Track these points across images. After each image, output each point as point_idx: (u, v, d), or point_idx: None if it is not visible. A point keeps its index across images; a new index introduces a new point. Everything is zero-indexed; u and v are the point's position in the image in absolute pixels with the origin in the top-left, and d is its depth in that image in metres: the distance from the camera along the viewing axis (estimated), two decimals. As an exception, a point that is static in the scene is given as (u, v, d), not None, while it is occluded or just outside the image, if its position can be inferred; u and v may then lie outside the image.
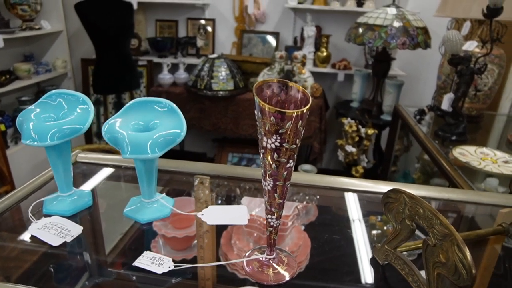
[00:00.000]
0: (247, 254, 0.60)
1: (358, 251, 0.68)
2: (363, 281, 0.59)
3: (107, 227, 0.73)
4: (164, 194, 0.72)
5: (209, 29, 2.98)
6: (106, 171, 0.87)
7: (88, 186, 0.81)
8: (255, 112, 0.42)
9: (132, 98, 2.87)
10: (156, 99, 0.65)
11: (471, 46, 1.67)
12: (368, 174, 2.34)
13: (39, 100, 0.64)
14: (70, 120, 0.61)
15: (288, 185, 0.48)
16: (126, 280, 0.65)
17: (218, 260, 0.68)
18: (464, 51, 1.62)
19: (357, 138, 2.12)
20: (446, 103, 1.60)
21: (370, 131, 2.05)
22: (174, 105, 0.63)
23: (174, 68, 2.76)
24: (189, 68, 2.72)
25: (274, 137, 0.41)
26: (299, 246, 0.68)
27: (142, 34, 3.01)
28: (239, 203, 0.77)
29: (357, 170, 2.18)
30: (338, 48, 2.86)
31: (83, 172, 0.86)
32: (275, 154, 0.43)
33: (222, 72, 2.46)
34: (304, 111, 0.40)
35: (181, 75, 2.66)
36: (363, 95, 2.65)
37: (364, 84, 2.62)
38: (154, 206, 0.69)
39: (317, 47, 2.76)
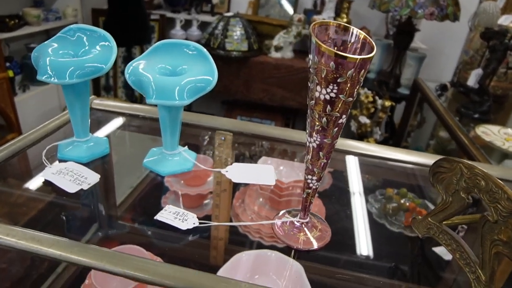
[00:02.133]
0: (279, 214, 0.56)
1: (373, 223, 0.66)
2: (376, 253, 0.58)
3: (121, 178, 0.70)
4: (186, 147, 0.68)
5: (226, -15, 2.85)
6: (122, 120, 0.83)
7: (103, 133, 0.77)
8: (309, 56, 0.37)
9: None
10: (184, 42, 0.59)
11: (507, 20, 1.58)
12: (379, 148, 2.29)
13: (57, 35, 0.58)
14: (91, 58, 0.55)
15: (336, 144, 0.43)
16: (138, 234, 0.62)
17: (230, 220, 0.65)
18: (499, 25, 1.53)
19: (372, 110, 2.06)
20: (473, 79, 1.53)
21: (387, 103, 1.98)
22: (205, 50, 0.57)
23: (187, 25, 2.66)
24: (203, 25, 2.62)
25: (331, 87, 0.36)
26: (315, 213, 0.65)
27: (156, -14, 2.89)
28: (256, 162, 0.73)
29: (368, 142, 2.13)
30: (359, 15, 2.74)
31: (98, 119, 0.82)
32: (328, 107, 0.38)
33: (237, 31, 2.36)
34: (369, 59, 0.35)
35: (194, 32, 2.57)
36: (381, 66, 2.56)
37: (383, 55, 2.52)
38: (176, 159, 0.64)
39: (337, 13, 2.64)
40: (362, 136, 2.23)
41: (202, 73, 0.55)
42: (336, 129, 0.41)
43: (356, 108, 2.27)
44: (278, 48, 2.46)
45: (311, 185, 0.48)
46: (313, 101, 0.40)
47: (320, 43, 0.35)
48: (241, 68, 2.45)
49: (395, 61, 2.40)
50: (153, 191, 0.71)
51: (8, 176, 0.67)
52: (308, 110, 0.41)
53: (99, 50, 0.57)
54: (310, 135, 0.43)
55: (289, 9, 2.76)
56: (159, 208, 0.61)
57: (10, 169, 0.65)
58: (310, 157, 0.45)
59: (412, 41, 2.34)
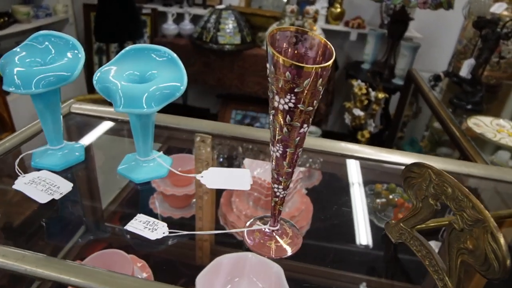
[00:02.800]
0: (248, 223, 0.56)
1: (361, 219, 0.65)
2: (364, 248, 0.58)
3: (100, 184, 0.69)
4: (161, 153, 0.67)
5: (218, -23, 2.81)
6: (103, 124, 0.82)
7: (82, 139, 0.76)
8: (267, 65, 0.36)
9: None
10: (154, 46, 0.58)
11: (500, 8, 1.56)
12: (374, 139, 2.29)
13: (24, 42, 0.57)
14: (57, 66, 0.54)
15: (300, 152, 0.43)
16: (119, 240, 0.61)
17: (217, 220, 0.65)
18: (491, 13, 1.51)
19: (366, 102, 2.05)
20: (465, 70, 1.52)
21: (381, 95, 1.97)
22: (174, 55, 0.56)
23: (179, 18, 2.64)
24: (195, 19, 2.59)
25: (288, 97, 0.35)
26: (301, 211, 0.65)
27: (147, -21, 2.85)
28: (241, 165, 0.72)
29: (363, 134, 2.12)
30: (353, 5, 2.71)
31: (77, 124, 0.81)
32: (288, 117, 0.37)
33: (229, 24, 2.34)
34: (326, 68, 0.34)
35: (186, 26, 2.54)
36: (376, 56, 2.54)
37: (377, 45, 2.50)
38: (150, 165, 0.64)
39: (331, 2, 2.61)
40: (356, 128, 2.22)
41: (171, 79, 0.54)
42: (298, 138, 0.40)
43: (350, 100, 2.25)
44: (271, 40, 2.44)
45: (278, 193, 0.47)
46: (273, 111, 0.39)
47: (274, 52, 0.34)
48: (235, 61, 2.43)
49: (389, 51, 2.37)
50: (140, 192, 0.71)
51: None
52: (269, 119, 0.41)
53: (68, 58, 0.56)
54: (273, 145, 0.42)
55: None
56: (145, 210, 0.61)
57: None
58: (275, 166, 0.44)
59: (406, 30, 2.31)
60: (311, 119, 0.39)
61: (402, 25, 2.27)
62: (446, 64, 2.42)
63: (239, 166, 0.73)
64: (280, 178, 0.45)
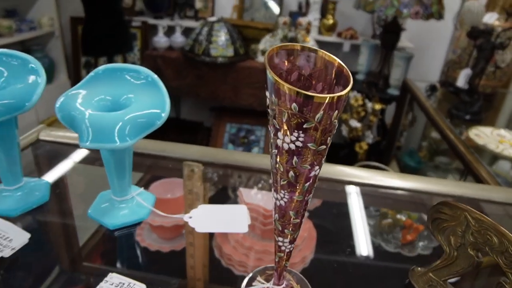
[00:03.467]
0: (247, 279, 0.48)
1: (370, 246, 0.60)
2: (370, 277, 0.52)
3: (68, 232, 0.59)
4: (142, 189, 0.58)
5: (209, -10, 2.79)
6: (77, 153, 0.72)
7: (48, 173, 0.67)
8: (267, 93, 0.30)
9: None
10: (130, 66, 0.50)
11: (491, 18, 1.54)
12: (372, 150, 2.26)
13: None
14: (8, 92, 0.46)
15: (309, 199, 0.36)
16: (102, 277, 0.55)
17: (212, 251, 0.59)
18: (484, 23, 1.49)
19: (363, 113, 2.02)
20: (462, 79, 1.50)
21: (378, 106, 1.94)
22: (155, 76, 0.49)
23: (170, 31, 2.60)
24: (187, 31, 2.56)
25: (296, 134, 0.29)
26: (304, 239, 0.60)
27: (137, -8, 2.82)
28: (237, 198, 0.67)
29: (361, 146, 2.09)
30: (345, 16, 2.70)
31: (47, 154, 0.72)
32: (295, 158, 0.31)
33: (222, 37, 2.31)
34: (343, 97, 0.28)
35: (178, 38, 2.51)
36: (370, 67, 2.52)
37: (371, 56, 2.48)
38: (128, 206, 0.55)
39: (323, 14, 2.60)
40: (354, 140, 2.19)
41: (151, 105, 0.46)
42: (308, 183, 0.33)
43: (347, 112, 2.22)
44: (265, 52, 2.41)
45: (283, 248, 0.40)
46: (276, 151, 0.32)
47: (277, 78, 0.27)
48: (228, 73, 2.39)
49: (383, 61, 2.36)
50: (117, 241, 0.61)
51: None
52: (271, 160, 0.34)
53: (25, 82, 0.48)
54: (276, 191, 0.35)
55: (275, 9, 2.71)
56: (129, 243, 0.54)
57: None
58: (278, 216, 0.37)
59: (398, 41, 2.30)
60: (323, 159, 0.32)
61: (395, 35, 2.26)
62: (438, 74, 2.41)
63: (235, 199, 0.68)
64: (286, 231, 0.38)
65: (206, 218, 0.55)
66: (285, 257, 0.41)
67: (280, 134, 0.30)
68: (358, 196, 0.72)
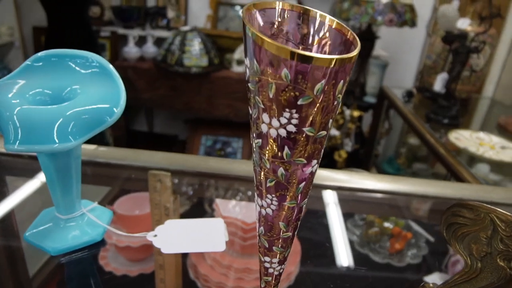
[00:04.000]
0: None
1: (356, 254, 0.56)
2: None
3: (18, 256, 0.50)
4: (95, 203, 0.49)
5: (181, -1, 2.74)
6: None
7: None
8: (246, 61, 0.23)
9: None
10: (77, 52, 0.42)
11: (464, 23, 1.55)
12: (351, 159, 2.23)
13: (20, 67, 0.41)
14: (90, 98, 0.39)
15: (305, 205, 0.29)
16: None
17: (186, 273, 0.52)
18: (458, 29, 1.50)
19: (341, 121, 1.99)
20: (439, 84, 1.48)
21: (356, 113, 1.91)
22: (108, 64, 0.41)
23: (141, 41, 2.52)
24: (159, 42, 2.49)
25: (287, 115, 0.22)
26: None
27: (105, 1, 2.73)
28: (211, 209, 0.60)
29: (340, 154, 2.06)
30: (319, 25, 2.69)
31: None
32: (286, 150, 0.23)
33: (195, 46, 2.25)
34: (350, 61, 0.21)
35: (149, 48, 2.43)
36: (345, 75, 2.51)
37: (346, 64, 2.48)
38: (76, 225, 0.46)
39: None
40: (333, 148, 2.16)
41: (101, 99, 0.38)
42: (303, 184, 0.26)
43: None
44: (240, 62, 2.37)
45: (270, 270, 0.32)
46: (259, 140, 0.24)
47: (260, 35, 0.20)
48: (203, 84, 2.33)
49: (359, 69, 2.35)
50: (65, 269, 0.53)
51: None
52: (253, 156, 0.26)
53: (98, 85, 0.41)
54: (261, 196, 0.27)
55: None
56: (91, 269, 0.46)
57: None
58: (264, 230, 0.29)
59: (373, 49, 2.30)
60: (322, 151, 0.25)
61: (369, 43, 2.26)
62: (412, 80, 2.42)
63: (211, 212, 0.60)
64: (275, 248, 0.29)
65: (174, 236, 0.46)
66: (273, 281, 0.33)
67: (265, 117, 0.23)
68: (341, 203, 0.67)
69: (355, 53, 0.21)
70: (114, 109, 0.38)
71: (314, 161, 0.25)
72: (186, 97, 2.37)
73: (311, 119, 0.22)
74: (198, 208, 0.62)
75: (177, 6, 2.72)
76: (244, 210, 0.61)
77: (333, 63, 0.20)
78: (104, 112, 0.38)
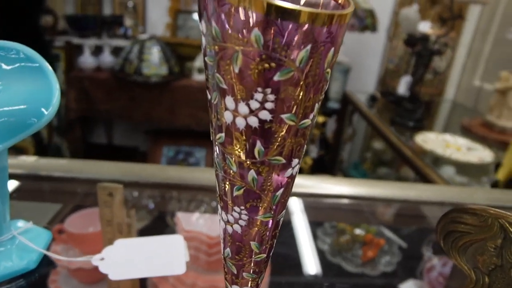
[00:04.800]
0: None
1: (327, 264, 0.54)
2: None
3: None
4: (30, 224, 0.42)
5: (139, 7, 2.65)
6: None
7: None
8: (200, 25, 0.17)
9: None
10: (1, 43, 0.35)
11: (425, 26, 1.57)
12: (316, 165, 2.21)
13: None
14: (14, 97, 0.32)
15: (282, 218, 0.23)
16: None
17: None
18: (420, 31, 1.51)
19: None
20: (403, 87, 1.49)
21: (320, 119, 1.90)
22: (38, 56, 0.35)
23: (98, 51, 2.41)
24: (116, 51, 2.39)
25: (259, 96, 0.16)
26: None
27: (59, 10, 2.60)
28: (172, 223, 0.53)
29: (305, 161, 2.03)
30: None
31: None
32: (258, 145, 0.18)
33: (154, 54, 2.18)
34: (346, 18, 0.15)
35: (106, 58, 2.33)
36: (309, 81, 2.51)
37: (309, 70, 2.48)
38: (6, 250, 0.39)
39: (259, 30, 2.56)
40: (298, 155, 2.13)
41: (27, 99, 0.32)
42: (281, 191, 0.20)
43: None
44: (201, 70, 2.31)
45: None
46: (222, 136, 0.18)
47: None
48: (163, 93, 2.25)
49: (322, 75, 2.35)
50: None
51: None
52: (214, 157, 0.20)
53: (29, 84, 0.33)
54: (226, 210, 0.22)
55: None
56: None
57: None
58: (230, 253, 0.24)
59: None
60: (305, 146, 0.20)
61: (332, 49, 2.28)
62: (374, 85, 2.45)
63: (172, 227, 0.54)
64: (245, 274, 0.24)
65: (125, 258, 0.39)
66: None
67: (229, 101, 0.17)
68: (307, 210, 0.63)
69: (349, 10, 0.16)
70: (43, 109, 0.32)
71: (295, 160, 0.19)
72: (146, 108, 2.28)
73: (292, 102, 0.16)
74: (160, 223, 0.57)
75: (135, 15, 2.63)
76: (208, 223, 0.57)
77: (323, 21, 0.14)
78: (31, 114, 0.32)
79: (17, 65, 0.34)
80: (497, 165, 1.00)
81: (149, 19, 2.69)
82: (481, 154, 1.20)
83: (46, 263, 0.47)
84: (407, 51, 1.61)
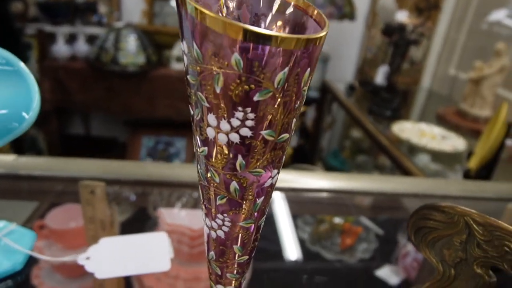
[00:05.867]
0: None
1: (307, 253, 0.55)
2: None
3: None
4: (14, 225, 0.42)
5: (114, -6, 2.58)
6: None
7: None
8: (182, 45, 0.18)
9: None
10: None
11: (402, 16, 1.59)
12: (296, 154, 2.23)
13: None
14: None
15: (262, 223, 0.24)
16: None
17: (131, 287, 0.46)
18: (397, 21, 1.53)
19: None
20: (380, 76, 1.51)
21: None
22: (15, 59, 0.34)
23: (72, 39, 2.34)
24: (91, 39, 2.33)
25: (240, 115, 0.17)
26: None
27: (29, -4, 2.50)
28: (154, 218, 0.53)
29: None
30: (260, 20, 2.67)
31: None
32: (240, 159, 0.19)
33: (131, 43, 2.14)
34: (320, 41, 0.16)
35: (81, 47, 2.27)
36: (288, 70, 2.51)
37: (289, 59, 2.48)
38: None
39: (238, 18, 2.54)
40: (278, 144, 2.14)
41: (7, 103, 0.32)
42: (261, 199, 0.21)
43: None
44: (180, 59, 2.28)
45: None
46: (205, 149, 0.19)
47: (201, 8, 0.15)
48: (141, 83, 2.21)
49: (301, 64, 2.36)
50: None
51: None
52: (198, 167, 0.21)
53: (9, 88, 0.33)
54: (210, 216, 0.23)
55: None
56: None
57: None
58: (215, 256, 0.25)
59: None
60: (283, 157, 0.21)
61: (311, 37, 2.28)
62: (352, 74, 2.48)
63: (155, 222, 0.54)
64: (229, 275, 0.26)
65: (110, 257, 0.40)
66: None
67: (211, 118, 0.18)
68: (288, 204, 0.64)
69: (324, 32, 0.16)
70: (24, 114, 0.32)
71: (275, 171, 0.21)
72: (124, 98, 2.24)
73: (270, 119, 0.17)
74: (141, 215, 0.57)
75: (109, 1, 2.56)
76: (190, 215, 0.58)
77: (298, 44, 0.15)
78: (11, 118, 0.32)
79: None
80: (469, 154, 1.03)
81: (125, 5, 2.62)
82: (455, 142, 1.24)
83: (30, 262, 0.47)
84: (384, 40, 1.63)
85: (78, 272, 0.51)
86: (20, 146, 2.12)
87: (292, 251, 0.55)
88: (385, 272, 0.54)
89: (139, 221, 0.55)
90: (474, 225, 0.26)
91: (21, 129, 0.31)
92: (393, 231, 0.66)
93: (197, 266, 0.51)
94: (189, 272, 0.50)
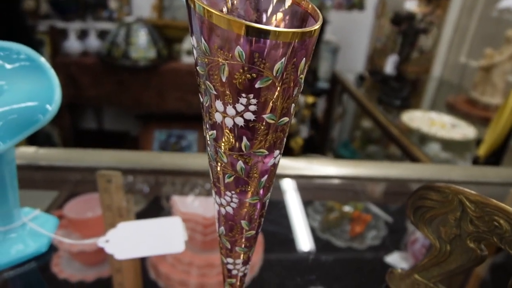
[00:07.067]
0: None
1: (317, 240, 0.56)
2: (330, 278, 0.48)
3: None
4: (38, 211, 0.45)
5: (123, -11, 2.61)
6: None
7: None
8: (192, 40, 0.20)
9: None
10: (4, 44, 0.37)
11: (412, 5, 1.58)
12: (307, 145, 2.24)
13: None
14: (16, 95, 0.34)
15: (267, 200, 0.27)
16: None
17: (146, 273, 0.48)
18: (406, 10, 1.53)
19: (296, 108, 1.99)
20: (390, 66, 1.51)
21: (310, 99, 1.92)
22: (37, 55, 0.37)
23: (83, 35, 2.38)
24: (103, 35, 2.36)
25: (244, 100, 0.19)
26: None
27: (41, -6, 2.54)
28: (168, 206, 0.56)
29: (296, 141, 2.06)
30: (268, 12, 2.67)
31: None
32: (244, 141, 0.21)
33: (142, 37, 2.16)
34: (313, 36, 0.19)
35: (93, 42, 2.30)
36: (298, 61, 2.51)
37: (298, 50, 2.48)
38: (17, 237, 0.42)
39: (247, 10, 2.54)
40: (288, 136, 2.16)
41: (31, 96, 0.35)
42: (265, 177, 0.24)
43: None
44: (190, 52, 2.30)
45: (234, 272, 0.30)
46: (213, 132, 0.22)
47: (208, 7, 0.17)
48: (152, 77, 2.24)
49: (310, 55, 2.36)
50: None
51: None
52: (207, 149, 0.23)
53: (27, 81, 0.36)
54: (219, 194, 0.25)
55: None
56: (42, 278, 0.42)
57: None
58: (225, 231, 0.27)
59: (324, 33, 2.32)
60: (284, 140, 0.23)
61: (320, 28, 2.27)
62: (362, 64, 2.47)
63: (168, 210, 0.57)
64: (238, 249, 0.28)
65: (128, 240, 0.43)
66: (238, 283, 0.30)
67: (218, 104, 0.20)
68: (299, 191, 0.66)
69: (317, 25, 0.18)
70: (48, 106, 0.35)
71: (277, 152, 0.23)
72: (135, 92, 2.27)
73: (271, 104, 0.20)
74: (155, 206, 0.59)
75: (120, -4, 2.58)
76: (203, 204, 0.60)
77: (294, 37, 0.18)
78: (36, 110, 0.34)
79: (18, 64, 0.36)
80: (479, 141, 1.03)
81: (135, 0, 2.64)
82: (465, 130, 1.24)
83: (51, 247, 0.50)
84: (394, 30, 1.62)
85: (96, 259, 0.54)
86: (35, 141, 2.17)
87: (303, 239, 0.56)
88: (394, 258, 0.55)
89: (153, 212, 0.57)
90: (467, 203, 0.28)
91: (45, 120, 0.34)
92: (402, 218, 0.67)
93: (210, 253, 0.53)
94: (203, 259, 0.51)
